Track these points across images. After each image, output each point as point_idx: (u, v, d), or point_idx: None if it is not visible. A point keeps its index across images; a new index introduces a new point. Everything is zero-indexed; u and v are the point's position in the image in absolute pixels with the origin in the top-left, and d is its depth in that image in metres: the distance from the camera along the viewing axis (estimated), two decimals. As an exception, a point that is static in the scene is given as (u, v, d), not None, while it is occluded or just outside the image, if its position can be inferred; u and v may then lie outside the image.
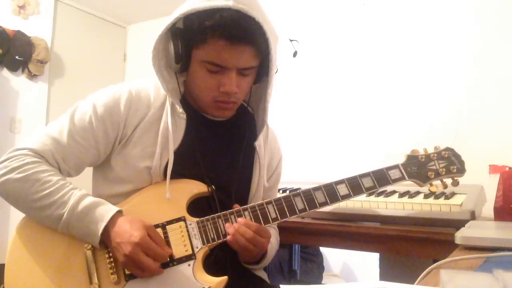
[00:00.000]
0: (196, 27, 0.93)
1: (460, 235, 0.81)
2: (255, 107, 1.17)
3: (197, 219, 0.99)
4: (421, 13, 2.31)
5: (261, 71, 1.04)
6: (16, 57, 3.18)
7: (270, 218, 1.00)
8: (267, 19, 0.97)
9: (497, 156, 1.90)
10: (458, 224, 1.06)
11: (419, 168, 1.06)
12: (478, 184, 1.34)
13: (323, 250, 2.71)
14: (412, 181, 1.06)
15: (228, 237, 0.96)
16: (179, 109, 1.04)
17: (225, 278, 0.93)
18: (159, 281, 0.92)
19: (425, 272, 0.65)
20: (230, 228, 0.96)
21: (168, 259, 0.93)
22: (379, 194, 1.35)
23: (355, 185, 1.02)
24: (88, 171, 1.07)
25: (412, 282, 0.60)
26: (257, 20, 0.92)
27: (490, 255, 0.72)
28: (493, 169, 1.88)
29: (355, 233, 1.24)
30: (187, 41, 0.97)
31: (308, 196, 1.01)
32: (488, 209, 1.29)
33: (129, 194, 1.01)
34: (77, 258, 0.93)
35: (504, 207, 1.13)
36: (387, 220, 1.21)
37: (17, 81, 3.28)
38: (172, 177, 1.00)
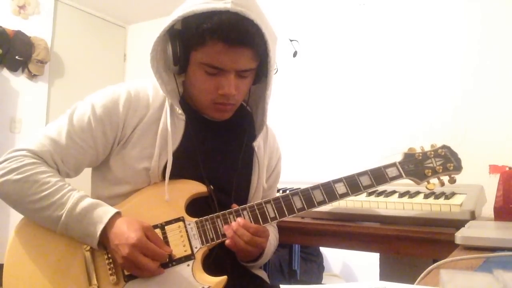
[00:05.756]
0: (195, 29, 0.93)
1: (460, 235, 0.81)
2: (254, 107, 1.17)
3: (196, 219, 0.99)
4: (421, 13, 2.31)
5: (260, 72, 1.04)
6: (16, 57, 3.18)
7: (269, 218, 1.00)
8: (266, 20, 0.97)
9: (497, 156, 1.90)
10: (458, 224, 1.06)
11: (416, 166, 1.06)
12: (478, 184, 1.34)
13: (323, 250, 2.71)
14: (410, 179, 1.06)
15: (227, 241, 0.96)
16: (178, 110, 1.03)
17: (224, 277, 0.93)
18: (158, 282, 0.92)
19: (425, 272, 0.65)
20: (228, 230, 0.96)
21: (168, 258, 0.93)
22: (379, 194, 1.34)
23: (353, 184, 1.02)
24: (87, 172, 1.07)
25: (412, 282, 0.60)
26: (256, 22, 0.92)
27: (490, 255, 0.72)
28: (493, 169, 1.88)
29: (355, 233, 1.24)
30: (185, 43, 0.97)
31: (307, 195, 1.01)
32: (488, 209, 1.29)
33: (127, 195, 1.01)
34: (76, 259, 0.93)
35: (504, 207, 1.13)
36: (387, 220, 1.21)
37: (17, 81, 3.27)
38: (170, 178, 0.99)
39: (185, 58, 0.98)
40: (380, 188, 1.26)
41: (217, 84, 0.97)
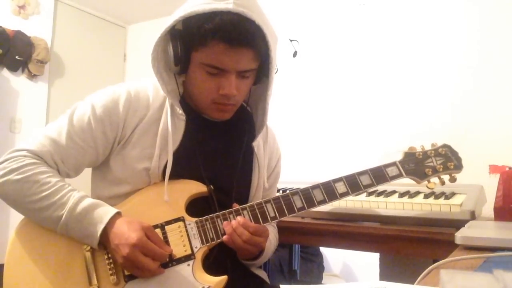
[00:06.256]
0: (196, 30, 0.93)
1: (460, 235, 0.81)
2: (254, 107, 1.17)
3: (196, 219, 0.99)
4: (420, 13, 2.31)
5: (260, 73, 1.04)
6: (16, 57, 3.18)
7: (269, 217, 1.00)
8: (267, 21, 0.97)
9: (497, 156, 1.90)
10: (458, 224, 1.06)
11: (416, 165, 1.06)
12: (478, 184, 1.34)
13: (323, 250, 2.71)
14: (410, 178, 1.06)
15: (224, 238, 0.96)
16: (179, 111, 1.03)
17: (224, 277, 0.93)
18: (158, 282, 0.92)
19: (425, 272, 0.65)
20: (227, 226, 0.96)
21: (168, 258, 0.93)
22: (379, 194, 1.34)
23: (353, 183, 1.02)
24: (87, 172, 1.07)
25: (412, 282, 0.60)
26: (257, 23, 0.92)
27: (490, 255, 0.71)
28: (493, 169, 1.88)
29: (355, 233, 1.24)
30: (186, 44, 0.97)
31: (307, 194, 1.01)
32: (488, 209, 1.29)
33: (127, 195, 1.01)
34: (76, 260, 0.93)
35: (504, 207, 1.13)
36: (387, 220, 1.21)
37: (17, 81, 3.27)
38: (171, 178, 0.99)
39: (186, 58, 0.98)
40: (380, 188, 1.26)
41: (218, 84, 0.97)
